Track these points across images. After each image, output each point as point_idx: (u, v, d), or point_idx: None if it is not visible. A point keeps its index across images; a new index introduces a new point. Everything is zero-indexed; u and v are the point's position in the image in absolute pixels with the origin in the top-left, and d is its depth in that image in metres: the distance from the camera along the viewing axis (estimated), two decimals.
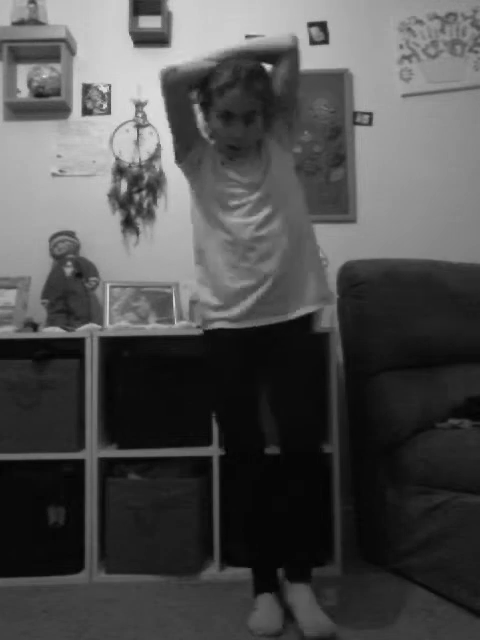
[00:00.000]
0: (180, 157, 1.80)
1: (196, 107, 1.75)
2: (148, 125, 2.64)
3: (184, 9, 2.70)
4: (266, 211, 1.69)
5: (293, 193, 1.76)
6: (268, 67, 1.71)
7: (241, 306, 1.70)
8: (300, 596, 1.69)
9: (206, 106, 1.70)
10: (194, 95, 1.72)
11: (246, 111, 1.64)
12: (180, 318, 2.44)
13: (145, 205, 2.65)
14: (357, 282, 2.25)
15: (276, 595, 1.75)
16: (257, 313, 1.70)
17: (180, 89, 1.69)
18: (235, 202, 1.71)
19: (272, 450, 1.81)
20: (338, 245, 2.49)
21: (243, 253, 1.68)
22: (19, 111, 2.67)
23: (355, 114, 2.67)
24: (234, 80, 1.61)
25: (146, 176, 2.64)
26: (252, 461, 1.78)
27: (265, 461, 1.79)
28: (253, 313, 1.70)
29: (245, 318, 1.71)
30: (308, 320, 1.75)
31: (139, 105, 2.64)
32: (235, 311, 1.71)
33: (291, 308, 1.71)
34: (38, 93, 2.59)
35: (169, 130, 1.77)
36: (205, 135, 1.78)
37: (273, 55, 1.69)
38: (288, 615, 1.69)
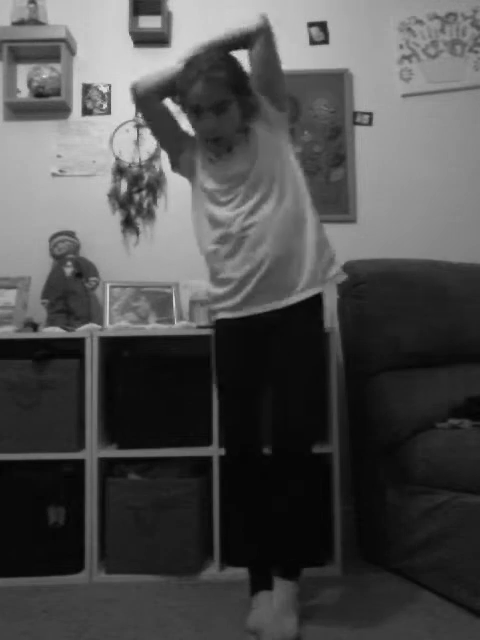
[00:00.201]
0: (175, 163, 1.82)
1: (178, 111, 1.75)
2: None
3: (184, 9, 2.70)
4: (256, 198, 1.68)
5: (286, 175, 1.73)
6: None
7: (240, 294, 1.70)
8: (277, 593, 1.68)
9: (183, 106, 1.70)
10: (175, 99, 1.72)
11: (214, 102, 1.62)
12: (180, 318, 2.44)
13: (145, 205, 2.65)
14: (357, 282, 2.25)
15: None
16: (256, 300, 1.69)
17: (148, 101, 1.72)
18: (225, 197, 1.71)
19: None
20: (338, 245, 2.45)
21: (238, 242, 1.69)
22: (19, 111, 2.67)
23: (355, 114, 2.67)
24: (196, 74, 1.61)
25: (146, 176, 2.65)
26: (249, 462, 1.78)
27: (264, 461, 1.77)
28: (252, 300, 1.69)
29: (245, 306, 1.70)
30: (310, 305, 1.71)
31: None
32: (234, 300, 1.71)
33: (289, 293, 1.69)
34: (38, 93, 2.59)
35: (155, 140, 1.78)
36: (193, 136, 1.79)
37: (246, 40, 1.68)
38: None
